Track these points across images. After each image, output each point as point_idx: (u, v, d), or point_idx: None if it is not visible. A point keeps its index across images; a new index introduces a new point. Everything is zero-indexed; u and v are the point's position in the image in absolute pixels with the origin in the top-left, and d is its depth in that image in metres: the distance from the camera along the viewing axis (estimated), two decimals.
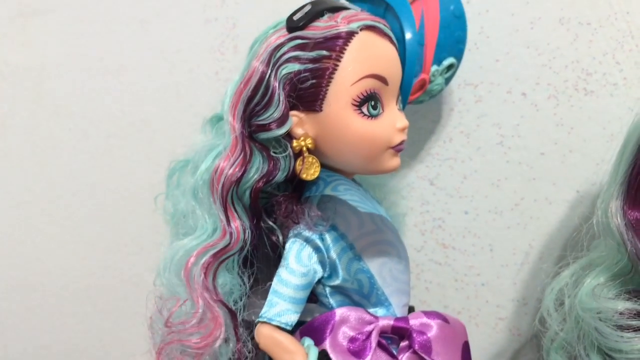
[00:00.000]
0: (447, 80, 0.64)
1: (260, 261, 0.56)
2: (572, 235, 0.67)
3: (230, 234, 0.51)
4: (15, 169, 0.87)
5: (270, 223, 0.54)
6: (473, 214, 0.74)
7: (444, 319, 0.54)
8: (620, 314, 0.49)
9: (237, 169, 0.50)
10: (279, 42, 0.50)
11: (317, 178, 0.53)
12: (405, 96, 0.56)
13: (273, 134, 0.51)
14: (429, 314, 0.54)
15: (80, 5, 0.81)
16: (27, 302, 0.90)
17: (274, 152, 0.52)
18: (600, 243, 0.54)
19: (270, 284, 0.52)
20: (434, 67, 0.61)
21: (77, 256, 0.87)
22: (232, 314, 0.52)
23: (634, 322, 0.49)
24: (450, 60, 0.62)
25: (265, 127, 0.51)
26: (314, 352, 0.50)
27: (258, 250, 0.55)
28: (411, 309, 0.59)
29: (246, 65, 0.53)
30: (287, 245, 0.53)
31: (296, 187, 0.54)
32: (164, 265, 0.54)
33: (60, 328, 0.90)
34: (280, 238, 0.54)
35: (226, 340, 0.52)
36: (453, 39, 0.62)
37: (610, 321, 0.50)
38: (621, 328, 0.49)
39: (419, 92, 0.61)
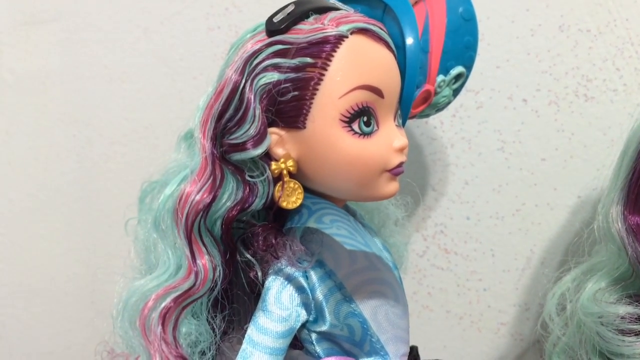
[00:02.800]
0: (456, 92, 0.57)
1: (235, 301, 0.48)
2: (574, 241, 0.67)
3: (196, 273, 0.43)
4: (19, 175, 0.87)
5: (248, 256, 0.45)
6: (475, 220, 0.75)
7: None
8: (621, 318, 0.50)
9: (205, 195, 0.43)
10: (255, 47, 0.43)
11: (301, 206, 0.45)
12: (405, 110, 0.49)
13: (248, 155, 0.43)
14: None
15: (84, 14, 0.81)
16: (31, 307, 0.90)
17: (250, 176, 0.44)
18: (602, 248, 0.55)
19: (246, 329, 0.45)
20: (440, 77, 0.53)
21: (81, 262, 0.88)
22: None
23: (636, 326, 0.49)
24: (458, 69, 0.55)
25: (239, 147, 0.43)
26: None
27: (233, 289, 0.48)
28: (413, 349, 0.54)
29: (219, 75, 0.46)
30: (266, 284, 0.45)
31: (277, 216, 0.46)
32: (117, 310, 0.46)
33: (64, 334, 0.90)
34: (260, 274, 0.46)
35: None
36: (462, 45, 0.55)
37: (611, 325, 0.50)
38: (623, 332, 0.49)
39: (422, 106, 0.54)
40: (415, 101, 0.52)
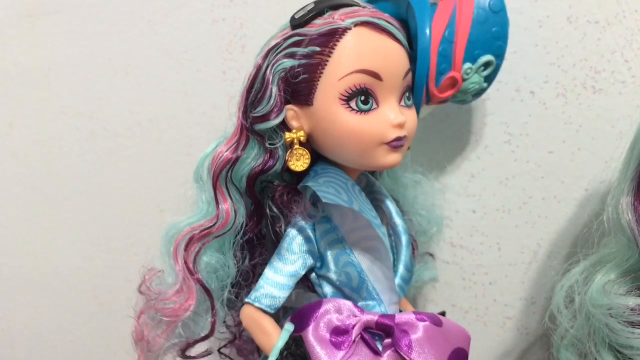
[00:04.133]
0: (488, 79, 0.61)
1: (266, 248, 0.59)
2: (582, 232, 0.67)
3: (218, 215, 0.54)
4: (22, 168, 0.87)
5: (276, 212, 0.55)
6: (481, 213, 0.74)
7: (436, 321, 0.53)
8: (631, 310, 0.49)
9: (230, 154, 0.54)
10: (281, 38, 0.53)
11: (312, 170, 0.55)
12: (418, 93, 0.56)
13: (267, 125, 0.53)
14: (419, 314, 0.53)
15: (88, 6, 0.81)
16: (34, 301, 0.90)
17: (270, 143, 0.54)
18: (611, 240, 0.54)
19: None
20: (467, 65, 0.59)
21: (84, 256, 0.88)
22: (207, 291, 0.55)
23: None
24: (486, 57, 0.59)
25: (260, 119, 0.53)
26: (284, 335, 0.51)
27: (265, 237, 0.58)
28: (442, 314, 0.58)
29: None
30: (285, 234, 0.55)
31: (299, 178, 0.56)
32: (162, 240, 0.57)
33: (66, 328, 0.90)
34: (284, 227, 0.56)
35: (204, 313, 0.56)
36: (489, 36, 0.59)
37: (621, 317, 0.49)
38: (632, 324, 0.49)
39: (451, 90, 0.59)
40: (441, 86, 0.58)
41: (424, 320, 0.53)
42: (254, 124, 0.54)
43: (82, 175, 0.85)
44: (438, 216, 0.68)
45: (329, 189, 0.52)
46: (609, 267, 0.53)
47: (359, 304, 0.54)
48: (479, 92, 0.62)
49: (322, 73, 0.51)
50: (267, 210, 0.55)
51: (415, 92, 0.56)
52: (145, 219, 0.84)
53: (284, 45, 0.52)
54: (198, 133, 0.80)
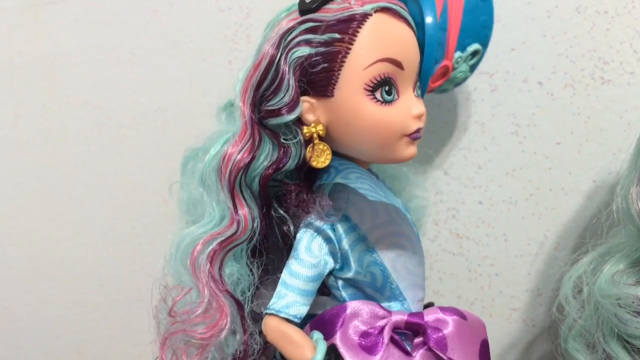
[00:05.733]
0: (472, 68, 0.61)
1: (270, 252, 0.54)
2: (591, 223, 0.66)
3: (238, 222, 0.50)
4: (27, 158, 0.87)
5: (282, 212, 0.52)
6: (487, 204, 0.74)
7: (461, 315, 0.52)
8: None
9: (245, 155, 0.49)
10: (290, 25, 0.49)
11: (329, 166, 0.51)
12: (424, 82, 0.54)
13: (283, 120, 0.49)
14: (445, 309, 0.52)
15: None
16: (39, 292, 0.90)
17: (284, 139, 0.50)
18: (620, 230, 0.54)
19: (280, 275, 0.51)
20: (457, 54, 0.58)
21: (89, 246, 0.87)
22: (239, 304, 0.51)
23: None
24: (475, 46, 0.59)
25: (275, 113, 0.49)
26: (322, 346, 0.48)
27: (268, 241, 0.54)
28: (430, 305, 0.57)
29: (257, 50, 0.52)
30: (298, 236, 0.51)
31: (307, 175, 0.53)
32: (170, 253, 0.52)
33: (71, 318, 0.90)
34: (292, 228, 0.52)
35: (233, 332, 0.51)
36: (478, 24, 0.59)
37: (630, 307, 0.49)
38: None
39: (441, 80, 0.58)
40: (434, 76, 0.57)
41: (452, 315, 0.51)
42: (266, 118, 0.49)
43: (87, 166, 0.85)
44: (422, 206, 0.65)
45: (364, 185, 0.50)
46: (618, 257, 0.52)
47: (382, 304, 0.52)
48: (462, 82, 0.62)
49: (343, 62, 0.48)
50: (272, 212, 0.52)
51: (422, 81, 0.54)
52: (150, 209, 0.84)
53: (298, 31, 0.48)
54: (203, 123, 0.79)
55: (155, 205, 0.83)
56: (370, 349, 0.49)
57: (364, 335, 0.49)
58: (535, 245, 0.73)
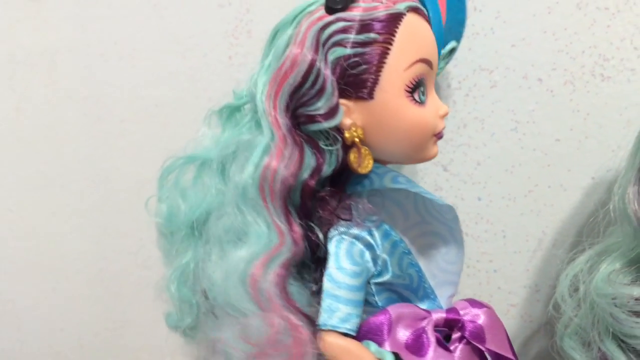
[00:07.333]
0: (446, 65, 0.62)
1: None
2: (589, 221, 0.66)
3: (294, 239, 0.46)
4: (28, 152, 0.87)
5: (304, 220, 0.49)
6: (486, 200, 0.74)
7: (487, 306, 0.53)
8: (635, 299, 0.49)
9: (293, 169, 0.46)
10: (320, 24, 0.46)
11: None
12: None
13: (325, 125, 0.47)
14: (471, 301, 0.53)
15: None
16: (41, 285, 0.91)
17: (324, 145, 0.47)
18: (617, 229, 0.54)
19: (314, 287, 0.48)
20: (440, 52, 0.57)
21: (90, 240, 0.88)
22: (312, 322, 0.46)
23: None
24: (452, 44, 0.60)
25: (315, 118, 0.47)
26: (390, 357, 0.47)
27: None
28: None
29: (279, 52, 0.48)
30: (333, 245, 0.49)
31: (334, 182, 0.50)
32: (215, 281, 0.47)
33: (73, 311, 0.91)
34: (321, 236, 0.49)
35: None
36: (456, 22, 0.59)
37: (625, 307, 0.49)
38: (637, 314, 0.49)
39: None
40: None
41: (482, 307, 0.52)
42: (305, 124, 0.47)
43: (88, 160, 0.86)
44: None
45: (419, 188, 0.49)
46: (614, 256, 0.53)
47: (416, 304, 0.52)
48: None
49: (384, 63, 0.46)
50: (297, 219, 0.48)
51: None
52: (151, 204, 0.84)
53: (331, 31, 0.46)
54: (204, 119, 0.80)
55: (156, 200, 0.83)
56: (419, 351, 0.49)
57: (411, 338, 0.49)
58: (533, 241, 0.73)
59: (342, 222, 0.48)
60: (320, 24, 0.46)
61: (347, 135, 0.47)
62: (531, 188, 0.72)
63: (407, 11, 0.48)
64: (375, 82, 0.47)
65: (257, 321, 0.45)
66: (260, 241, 0.46)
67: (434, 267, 0.53)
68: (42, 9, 0.83)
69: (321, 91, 0.46)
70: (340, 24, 0.46)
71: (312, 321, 0.47)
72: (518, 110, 0.71)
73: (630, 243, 0.52)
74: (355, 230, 0.49)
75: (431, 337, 0.49)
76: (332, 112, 0.47)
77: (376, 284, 0.51)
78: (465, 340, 0.51)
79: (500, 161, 0.73)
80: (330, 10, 0.47)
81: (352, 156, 0.48)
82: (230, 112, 0.53)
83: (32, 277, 0.91)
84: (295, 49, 0.46)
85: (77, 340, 0.92)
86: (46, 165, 0.87)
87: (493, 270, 0.75)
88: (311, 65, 0.46)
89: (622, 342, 0.51)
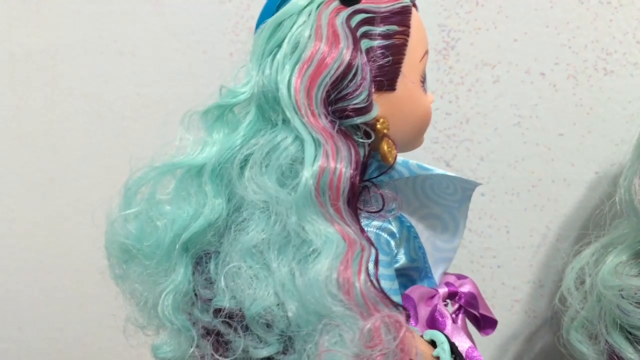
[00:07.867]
0: None
1: None
2: (594, 214, 0.66)
3: (367, 237, 0.43)
4: (29, 151, 0.87)
5: None
6: (489, 196, 0.74)
7: (467, 277, 0.57)
8: None
9: (355, 167, 0.44)
10: (344, 14, 0.45)
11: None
12: None
13: (364, 118, 0.45)
14: (457, 275, 0.57)
15: None
16: (42, 284, 0.90)
17: (361, 139, 0.46)
18: (623, 221, 0.54)
19: None
20: None
21: (93, 238, 0.87)
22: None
23: None
24: None
25: (359, 111, 0.45)
26: (442, 337, 0.47)
27: None
28: None
29: (299, 44, 0.45)
30: None
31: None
32: (305, 294, 0.41)
33: (74, 310, 0.91)
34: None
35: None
36: None
37: (632, 299, 0.49)
38: None
39: None
40: None
41: (465, 277, 0.56)
42: (346, 119, 0.45)
43: (88, 158, 0.85)
44: None
45: (441, 170, 0.52)
46: (620, 248, 0.53)
47: (419, 283, 0.54)
48: None
49: (404, 54, 0.47)
50: None
51: None
52: None
53: (356, 23, 0.45)
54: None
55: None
56: (440, 326, 0.51)
57: (432, 316, 0.52)
58: (537, 236, 0.73)
59: (364, 215, 0.47)
60: (344, 14, 0.45)
61: (379, 127, 0.46)
62: (535, 183, 0.72)
63: (412, 4, 0.49)
64: (398, 73, 0.47)
65: (356, 328, 0.40)
66: (331, 249, 0.41)
67: (430, 248, 0.54)
68: (41, 6, 0.83)
69: (361, 85, 0.45)
70: (363, 16, 0.46)
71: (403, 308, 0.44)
72: (521, 105, 0.71)
73: (636, 235, 0.52)
74: (376, 222, 0.48)
75: (444, 311, 0.52)
76: (371, 105, 0.46)
77: (395, 269, 0.51)
78: (462, 310, 0.54)
79: (503, 156, 0.73)
80: (346, 2, 0.46)
81: (386, 147, 0.47)
82: (221, 113, 0.49)
83: (32, 276, 0.90)
84: (329, 41, 0.44)
85: (78, 339, 0.91)
86: (46, 163, 0.86)
87: (497, 265, 0.75)
88: (353, 58, 0.44)
89: (629, 334, 0.51)
